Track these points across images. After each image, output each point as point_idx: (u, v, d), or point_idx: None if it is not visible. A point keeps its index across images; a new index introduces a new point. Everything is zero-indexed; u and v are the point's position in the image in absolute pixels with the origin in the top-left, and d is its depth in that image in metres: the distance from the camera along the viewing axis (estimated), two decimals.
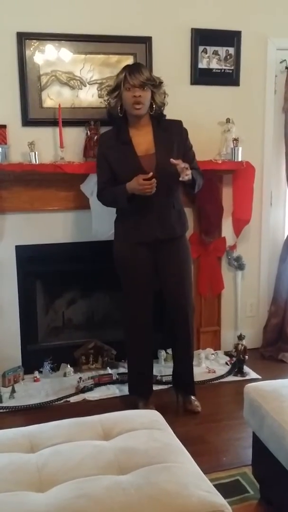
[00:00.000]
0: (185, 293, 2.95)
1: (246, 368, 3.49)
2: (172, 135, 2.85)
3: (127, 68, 2.80)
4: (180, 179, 2.64)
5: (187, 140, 2.92)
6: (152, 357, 3.11)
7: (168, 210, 2.83)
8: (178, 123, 2.91)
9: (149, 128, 2.85)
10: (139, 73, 2.71)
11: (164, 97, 2.88)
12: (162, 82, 2.84)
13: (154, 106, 2.82)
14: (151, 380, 3.10)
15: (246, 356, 3.46)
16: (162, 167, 2.69)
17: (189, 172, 2.66)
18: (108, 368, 3.45)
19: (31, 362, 3.43)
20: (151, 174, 2.61)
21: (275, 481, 2.09)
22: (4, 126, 3.15)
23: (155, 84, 2.79)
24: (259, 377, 3.39)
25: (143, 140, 2.81)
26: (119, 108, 2.81)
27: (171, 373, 3.20)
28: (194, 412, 3.00)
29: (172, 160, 2.63)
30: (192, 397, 3.07)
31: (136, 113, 2.77)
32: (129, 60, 3.30)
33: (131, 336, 3.00)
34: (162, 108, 2.89)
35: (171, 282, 2.92)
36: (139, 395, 3.02)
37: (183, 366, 3.07)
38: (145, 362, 3.03)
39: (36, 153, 3.15)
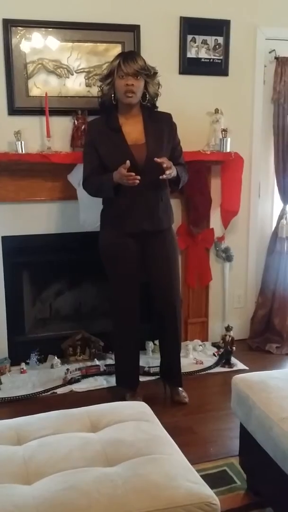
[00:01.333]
0: (172, 285, 2.94)
1: (233, 359, 3.50)
2: (162, 127, 2.84)
3: (121, 55, 2.78)
4: (160, 177, 2.63)
5: (176, 135, 2.91)
6: (139, 348, 3.10)
7: (156, 202, 2.81)
8: (168, 115, 2.90)
9: (140, 118, 2.82)
10: (133, 61, 2.69)
11: (158, 87, 2.86)
12: (156, 73, 2.81)
13: (147, 96, 2.81)
14: (138, 372, 3.10)
15: (234, 347, 3.47)
16: (152, 158, 2.66)
17: (170, 171, 2.65)
18: (95, 359, 3.44)
19: (18, 353, 3.41)
20: (128, 163, 2.58)
21: (262, 471, 2.10)
22: None
23: (149, 74, 2.77)
24: (247, 368, 3.40)
25: (133, 129, 2.79)
26: (112, 95, 2.78)
27: (159, 365, 3.20)
28: (182, 403, 3.01)
29: (156, 159, 2.62)
30: (180, 388, 3.07)
31: (128, 101, 2.74)
32: (117, 49, 3.27)
33: (118, 327, 2.99)
34: (155, 98, 2.88)
35: (158, 274, 2.91)
36: (126, 386, 3.02)
37: (170, 357, 3.07)
38: (132, 353, 3.02)
39: (23, 142, 3.11)
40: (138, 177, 2.59)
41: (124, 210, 2.78)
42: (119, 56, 2.77)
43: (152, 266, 2.90)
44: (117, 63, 2.70)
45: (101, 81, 2.87)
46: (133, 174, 2.58)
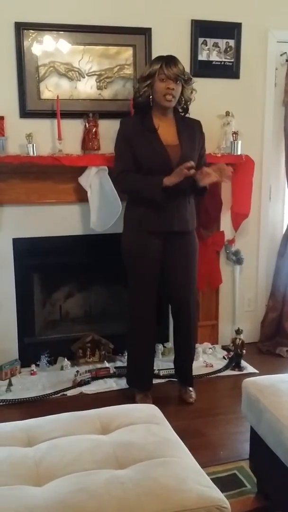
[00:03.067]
0: (189, 287, 2.96)
1: (243, 363, 3.49)
2: (194, 132, 2.90)
3: (163, 58, 2.79)
4: (201, 183, 2.70)
5: (204, 143, 2.97)
6: (154, 349, 3.12)
7: (185, 204, 2.84)
8: (199, 123, 2.96)
9: (172, 121, 2.87)
10: (175, 65, 2.73)
11: (191, 92, 2.90)
12: (191, 78, 2.86)
13: (182, 100, 2.86)
14: (152, 373, 3.11)
15: (244, 351, 3.46)
16: (185, 158, 2.71)
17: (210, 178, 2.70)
18: (105, 361, 3.44)
19: (28, 355, 3.42)
20: (192, 163, 2.65)
21: (272, 475, 2.09)
22: (1, 118, 3.13)
23: (186, 79, 2.81)
24: (257, 371, 3.39)
25: (167, 130, 2.83)
26: (150, 97, 2.80)
27: (169, 367, 3.22)
28: (187, 403, 3.02)
29: (189, 163, 2.65)
30: (189, 388, 3.09)
31: (167, 105, 2.79)
32: (129, 52, 3.28)
33: (134, 327, 2.99)
34: (189, 103, 2.92)
35: (177, 275, 2.93)
36: (139, 387, 3.03)
37: (182, 357, 3.09)
38: (147, 354, 3.03)
39: (34, 145, 3.13)
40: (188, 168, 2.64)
41: (153, 208, 2.79)
42: (160, 59, 2.79)
43: (171, 267, 2.92)
44: (159, 66, 2.73)
45: (138, 82, 2.89)
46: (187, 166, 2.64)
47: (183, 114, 2.95)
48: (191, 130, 2.88)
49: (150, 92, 2.79)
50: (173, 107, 2.85)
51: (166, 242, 2.85)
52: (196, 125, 2.94)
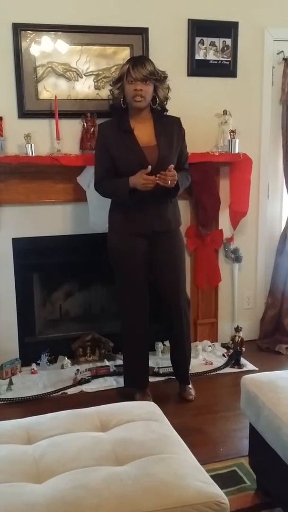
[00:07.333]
0: (178, 285, 2.96)
1: (243, 360, 3.50)
2: (172, 130, 2.88)
3: (131, 60, 2.82)
4: (157, 180, 2.64)
5: (184, 140, 2.95)
6: (148, 348, 3.12)
7: (166, 204, 2.84)
8: (178, 120, 2.94)
9: (150, 121, 2.87)
10: (142, 67, 2.73)
11: (168, 91, 2.90)
12: (166, 77, 2.86)
13: (157, 99, 2.85)
14: (147, 371, 3.12)
15: (243, 348, 3.48)
16: (163, 159, 2.72)
17: (172, 182, 2.67)
18: (105, 360, 3.46)
19: (29, 354, 3.44)
20: (149, 168, 2.62)
21: (271, 471, 2.11)
22: (0, 118, 3.14)
23: (158, 79, 2.81)
24: (256, 368, 3.41)
25: (143, 132, 2.83)
26: (122, 99, 2.82)
27: (168, 365, 3.23)
28: (187, 400, 3.03)
29: (171, 166, 2.65)
30: (188, 386, 3.10)
31: (137, 105, 2.78)
32: (126, 52, 3.29)
33: (127, 328, 3.01)
34: (165, 102, 2.92)
35: (165, 275, 2.93)
36: (135, 386, 3.04)
37: (178, 356, 3.10)
38: (141, 354, 3.04)
39: (33, 145, 3.14)
40: (152, 184, 2.62)
41: (134, 211, 2.80)
42: (129, 61, 2.82)
43: (159, 267, 2.93)
44: (127, 68, 2.74)
45: (111, 85, 2.92)
46: (152, 178, 2.62)
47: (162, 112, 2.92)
48: (168, 129, 2.87)
49: (123, 94, 2.81)
50: (150, 107, 2.85)
51: (150, 243, 2.86)
52: (175, 122, 2.92)
